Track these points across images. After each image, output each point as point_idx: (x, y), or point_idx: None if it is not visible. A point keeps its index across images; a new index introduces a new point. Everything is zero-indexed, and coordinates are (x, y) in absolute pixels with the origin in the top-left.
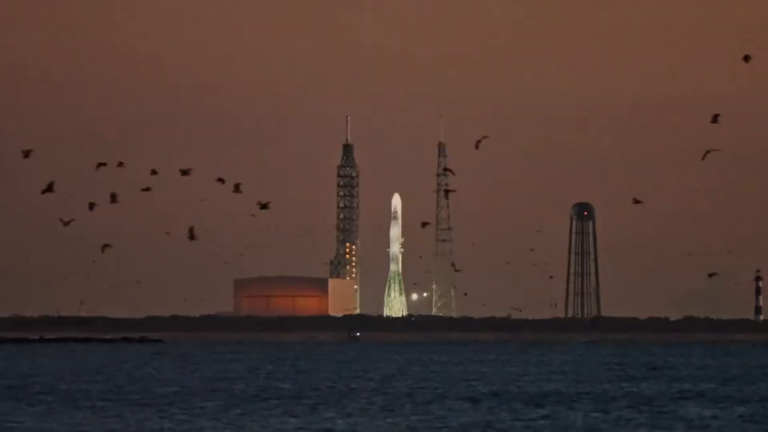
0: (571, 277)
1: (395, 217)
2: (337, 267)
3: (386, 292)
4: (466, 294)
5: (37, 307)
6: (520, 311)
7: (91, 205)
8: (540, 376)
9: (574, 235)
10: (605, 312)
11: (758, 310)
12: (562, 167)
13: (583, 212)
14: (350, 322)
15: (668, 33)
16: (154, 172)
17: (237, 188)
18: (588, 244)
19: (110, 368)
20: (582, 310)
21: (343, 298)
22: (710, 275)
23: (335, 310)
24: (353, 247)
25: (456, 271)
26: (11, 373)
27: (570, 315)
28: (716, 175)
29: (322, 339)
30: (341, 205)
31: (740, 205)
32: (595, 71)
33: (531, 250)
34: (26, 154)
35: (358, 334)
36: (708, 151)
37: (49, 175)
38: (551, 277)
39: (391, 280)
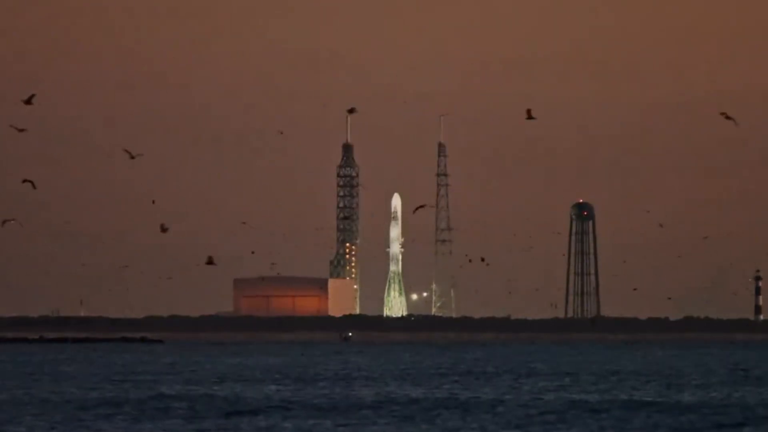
0: (571, 277)
1: (395, 217)
2: (337, 267)
3: (386, 292)
4: (478, 291)
5: (37, 307)
6: (556, 307)
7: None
8: None
9: (574, 235)
10: (605, 312)
11: (758, 309)
12: (562, 167)
13: (583, 212)
14: (350, 322)
15: (669, 33)
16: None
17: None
18: (588, 244)
19: None
20: (582, 310)
21: (343, 298)
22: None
23: (335, 310)
24: (353, 247)
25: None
26: None
27: (570, 315)
28: (717, 175)
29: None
30: (341, 205)
31: (741, 205)
32: (595, 71)
33: (528, 250)
34: (27, 98)
35: (350, 334)
36: (726, 116)
37: (49, 174)
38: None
39: (391, 281)
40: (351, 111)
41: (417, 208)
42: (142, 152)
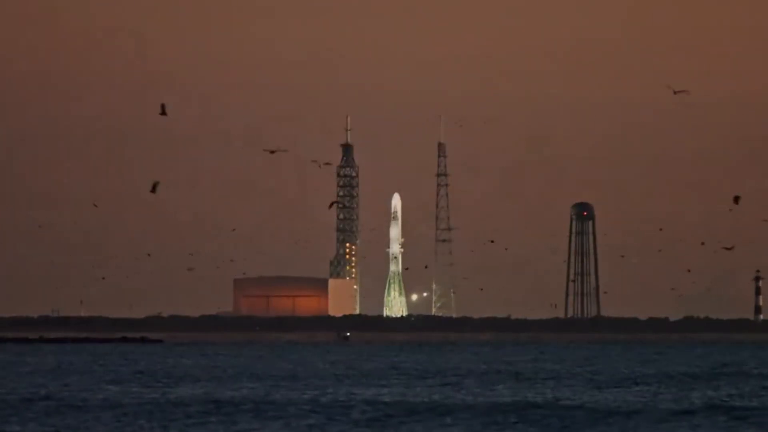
0: (571, 277)
1: (395, 217)
2: (337, 267)
3: (386, 292)
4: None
5: (37, 307)
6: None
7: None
8: None
9: (574, 235)
10: (605, 312)
11: (758, 309)
12: (562, 167)
13: (583, 212)
14: (350, 322)
15: (670, 34)
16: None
17: (154, 188)
18: (588, 244)
19: None
20: (582, 310)
21: (343, 298)
22: (736, 200)
23: (335, 310)
24: (353, 247)
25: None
26: None
27: (570, 315)
28: (716, 174)
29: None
30: (341, 205)
31: (740, 205)
32: (595, 71)
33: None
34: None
35: (348, 334)
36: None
37: (52, 176)
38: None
39: (391, 280)
40: (154, 187)
41: (331, 204)
42: (142, 153)
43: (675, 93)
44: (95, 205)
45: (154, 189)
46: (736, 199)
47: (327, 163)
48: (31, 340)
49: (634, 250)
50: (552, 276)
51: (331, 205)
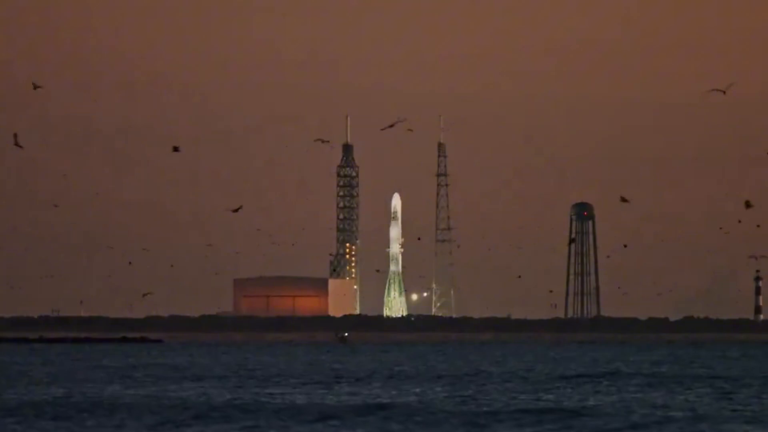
0: (571, 277)
1: (395, 217)
2: (337, 267)
3: (386, 292)
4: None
5: (37, 307)
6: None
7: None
8: None
9: (574, 235)
10: (605, 312)
11: (758, 310)
12: (562, 167)
13: (583, 212)
14: (350, 322)
15: (670, 33)
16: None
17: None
18: (588, 244)
19: None
20: (582, 310)
21: (343, 298)
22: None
23: (335, 310)
24: (353, 247)
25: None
26: None
27: (570, 315)
28: (716, 174)
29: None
30: (341, 205)
31: (741, 205)
32: (595, 71)
33: (520, 248)
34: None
35: (347, 334)
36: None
37: (51, 175)
38: (551, 291)
39: (391, 281)
40: (15, 139)
41: (236, 209)
42: (143, 153)
43: (724, 93)
44: (55, 206)
45: (16, 142)
46: (623, 199)
47: (326, 141)
48: (31, 340)
49: (635, 250)
50: (552, 276)
51: (236, 210)
